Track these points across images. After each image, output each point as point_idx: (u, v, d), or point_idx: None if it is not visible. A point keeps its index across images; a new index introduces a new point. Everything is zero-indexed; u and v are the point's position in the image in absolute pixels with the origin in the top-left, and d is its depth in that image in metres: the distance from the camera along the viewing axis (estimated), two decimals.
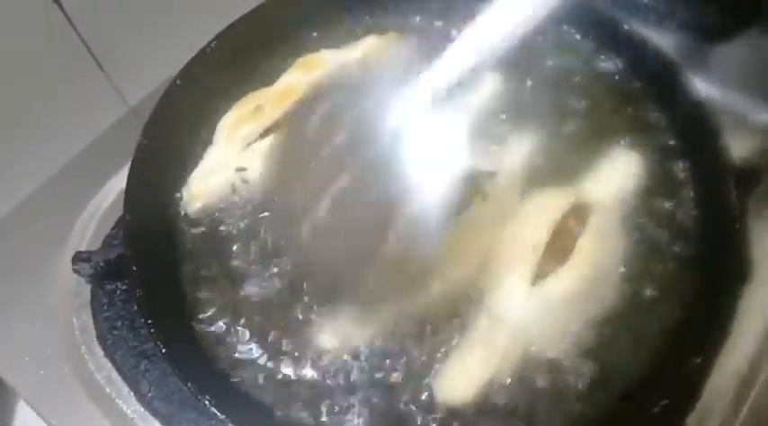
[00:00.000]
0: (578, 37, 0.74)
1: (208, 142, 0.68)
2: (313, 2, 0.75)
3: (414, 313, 0.58)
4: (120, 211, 0.63)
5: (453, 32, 0.75)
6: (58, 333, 0.70)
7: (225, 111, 0.69)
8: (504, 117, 0.68)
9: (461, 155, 0.64)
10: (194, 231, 0.64)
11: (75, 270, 0.66)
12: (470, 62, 0.56)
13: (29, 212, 0.78)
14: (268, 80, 0.71)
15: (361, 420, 0.55)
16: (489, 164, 0.64)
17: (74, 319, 0.71)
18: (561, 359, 0.56)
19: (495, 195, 0.62)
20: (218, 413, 0.52)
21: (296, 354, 0.58)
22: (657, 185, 0.64)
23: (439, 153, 0.64)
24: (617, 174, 0.64)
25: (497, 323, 0.56)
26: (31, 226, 0.77)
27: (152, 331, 0.55)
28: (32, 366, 0.69)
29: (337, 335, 0.58)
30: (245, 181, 0.66)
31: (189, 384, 0.52)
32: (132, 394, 0.66)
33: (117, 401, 0.66)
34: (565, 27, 0.75)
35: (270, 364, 0.58)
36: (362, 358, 0.57)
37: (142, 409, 0.65)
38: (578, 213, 0.60)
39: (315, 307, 0.60)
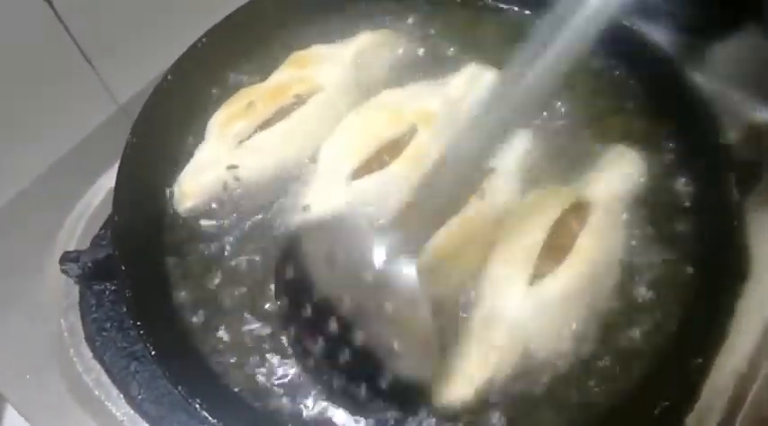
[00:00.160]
0: None
1: (199, 139, 0.67)
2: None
3: None
4: (109, 210, 0.62)
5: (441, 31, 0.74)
6: (45, 335, 0.69)
7: (216, 108, 0.68)
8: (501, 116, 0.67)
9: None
10: (185, 230, 0.63)
11: (64, 271, 0.65)
12: None
13: (17, 211, 0.77)
14: (260, 76, 0.70)
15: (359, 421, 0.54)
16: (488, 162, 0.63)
17: (62, 320, 0.70)
18: (559, 358, 0.56)
19: (494, 193, 0.61)
20: (209, 417, 0.51)
21: (289, 355, 0.57)
22: (656, 184, 0.64)
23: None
24: (615, 173, 0.63)
25: (495, 322, 0.56)
26: (19, 225, 0.76)
27: (141, 333, 0.54)
28: (20, 369, 0.67)
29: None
30: (237, 179, 0.64)
31: (179, 387, 0.51)
32: (122, 396, 0.65)
33: (106, 403, 0.65)
34: None
35: (262, 366, 0.57)
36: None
37: (132, 411, 0.64)
38: (577, 212, 0.59)
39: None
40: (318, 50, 0.70)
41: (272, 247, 0.62)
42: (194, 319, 0.59)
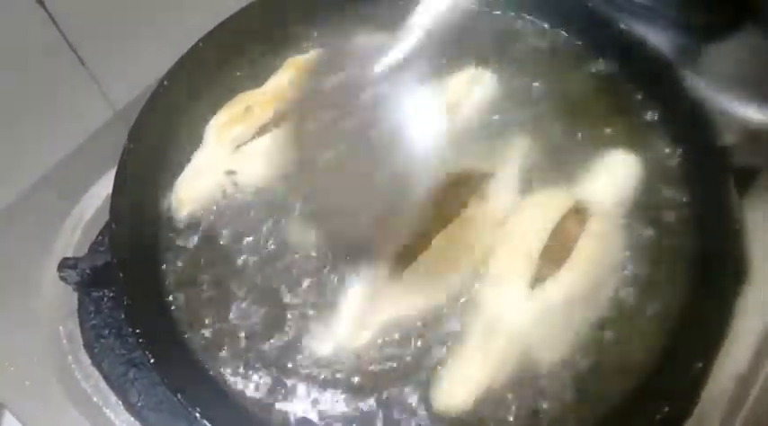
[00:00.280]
0: (574, 38, 0.74)
1: (196, 145, 0.67)
2: (302, 3, 0.74)
3: (411, 317, 0.57)
4: (106, 216, 0.62)
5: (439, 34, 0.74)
6: (44, 342, 0.69)
7: (213, 113, 0.68)
8: (501, 118, 0.68)
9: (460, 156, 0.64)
10: (183, 236, 0.63)
11: (62, 278, 0.65)
12: None
13: (13, 217, 0.77)
14: (257, 81, 0.70)
15: None
16: (487, 166, 0.63)
17: (60, 327, 0.69)
18: (560, 363, 0.55)
19: (493, 197, 0.61)
20: (208, 424, 0.51)
21: (289, 362, 0.57)
22: (655, 186, 0.64)
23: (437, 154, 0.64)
24: (615, 176, 0.63)
25: (495, 327, 0.56)
26: (16, 232, 0.75)
27: (140, 340, 0.53)
28: (18, 376, 0.67)
29: (331, 342, 0.57)
30: (235, 184, 0.64)
31: (178, 394, 0.51)
32: (120, 403, 0.64)
33: (105, 410, 0.64)
34: (560, 28, 0.74)
35: (262, 372, 0.57)
36: (358, 365, 0.56)
37: (131, 418, 0.63)
38: (576, 216, 0.59)
39: (309, 314, 0.59)
40: (316, 55, 0.70)
41: (272, 252, 0.62)
42: (193, 326, 0.59)
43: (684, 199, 0.63)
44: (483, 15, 0.76)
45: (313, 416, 0.55)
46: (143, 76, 0.79)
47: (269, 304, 0.59)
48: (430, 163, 0.63)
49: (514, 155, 0.65)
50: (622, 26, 0.70)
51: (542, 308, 0.56)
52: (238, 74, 0.72)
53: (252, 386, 0.56)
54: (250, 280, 0.61)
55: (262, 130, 0.65)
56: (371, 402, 0.55)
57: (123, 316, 0.62)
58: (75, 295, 0.69)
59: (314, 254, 0.61)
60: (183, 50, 0.70)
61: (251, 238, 0.62)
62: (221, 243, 0.63)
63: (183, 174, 0.65)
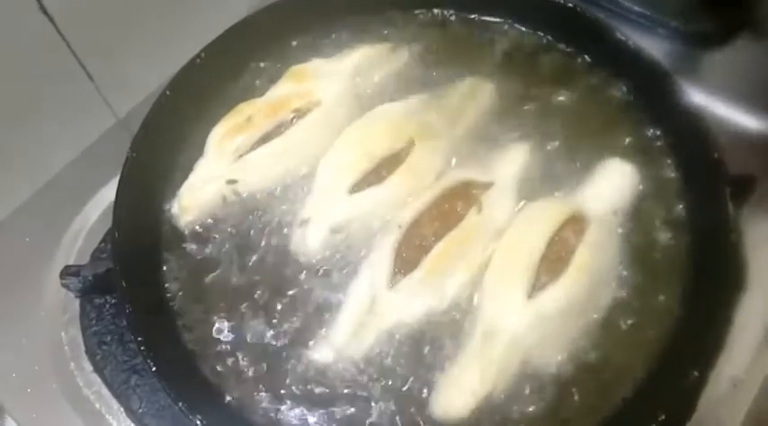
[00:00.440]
0: (571, 49, 0.74)
1: (198, 154, 0.67)
2: (303, 12, 0.75)
3: (410, 325, 0.58)
4: (108, 223, 0.62)
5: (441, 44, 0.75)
6: (46, 349, 0.69)
7: (215, 123, 0.68)
8: (499, 128, 0.68)
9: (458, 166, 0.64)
10: (184, 245, 0.63)
11: (64, 285, 0.65)
12: None
13: (16, 225, 0.77)
14: (258, 90, 0.71)
15: None
16: (485, 176, 0.64)
17: (62, 334, 0.70)
18: (558, 372, 0.56)
19: (491, 207, 0.61)
20: None
21: (290, 371, 0.57)
22: (652, 196, 0.64)
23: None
24: (612, 186, 0.64)
25: (494, 336, 0.56)
26: (19, 239, 0.76)
27: (142, 349, 0.54)
28: (20, 383, 0.68)
29: (332, 350, 0.57)
30: (236, 194, 0.65)
31: (180, 403, 0.52)
32: (122, 410, 0.65)
33: (107, 417, 0.65)
34: (558, 39, 0.75)
35: (264, 381, 0.57)
36: (357, 373, 0.57)
37: (133, 425, 0.64)
38: (574, 225, 0.59)
39: (309, 322, 0.59)
40: (317, 64, 0.71)
41: (273, 260, 0.62)
42: (195, 334, 0.59)
43: (681, 209, 0.64)
44: (479, 25, 0.76)
45: (314, 424, 0.55)
46: (145, 84, 0.80)
47: (270, 312, 0.60)
48: (428, 172, 0.65)
49: (512, 165, 0.65)
50: (619, 36, 0.70)
51: (540, 317, 0.56)
52: (240, 83, 0.73)
53: (254, 394, 0.56)
54: (251, 288, 0.61)
55: (263, 140, 0.66)
56: (371, 409, 0.55)
57: (125, 324, 0.63)
58: (78, 301, 0.70)
59: (314, 262, 0.62)
60: (185, 59, 0.71)
61: (252, 247, 0.63)
62: (223, 251, 0.63)
63: (185, 183, 0.65)
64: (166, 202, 0.66)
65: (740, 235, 0.63)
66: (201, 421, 0.51)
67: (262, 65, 0.74)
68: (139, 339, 0.54)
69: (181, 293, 0.61)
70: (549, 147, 0.67)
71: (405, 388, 0.56)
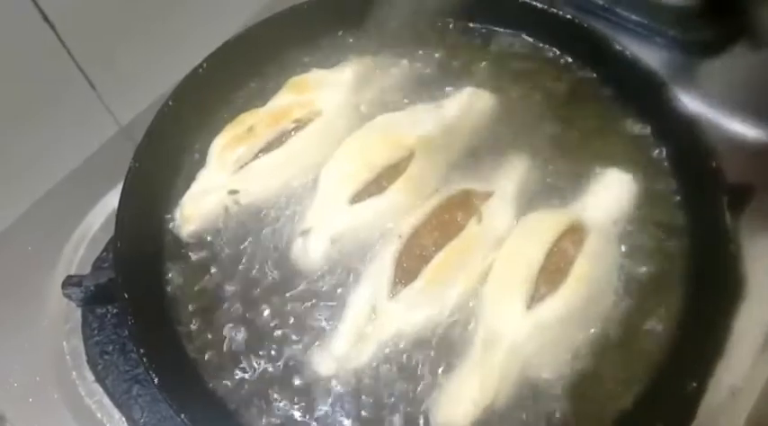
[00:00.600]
0: (569, 59, 0.75)
1: (200, 164, 0.68)
2: (304, 23, 0.75)
3: (410, 336, 0.58)
4: (110, 232, 0.63)
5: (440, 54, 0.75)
6: (47, 359, 0.70)
7: (217, 133, 0.68)
8: (498, 138, 0.68)
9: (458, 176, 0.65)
10: (186, 255, 0.64)
11: (66, 295, 0.65)
12: None
13: (18, 235, 0.77)
14: (260, 100, 0.71)
15: None
16: (484, 186, 0.64)
17: (64, 343, 0.70)
18: (557, 382, 0.56)
19: (490, 217, 0.62)
20: None
21: (293, 382, 0.57)
22: (651, 206, 0.64)
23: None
24: (611, 196, 0.64)
25: (494, 346, 0.56)
26: (21, 248, 0.76)
27: (144, 360, 0.54)
28: (22, 392, 0.68)
29: (333, 361, 0.57)
30: (238, 204, 0.65)
31: (183, 415, 0.52)
32: (124, 419, 0.65)
33: None
34: (556, 49, 0.75)
35: (266, 392, 0.57)
36: (359, 383, 0.57)
37: None
38: (573, 235, 0.60)
39: (311, 333, 0.59)
40: (318, 75, 0.71)
41: (274, 271, 0.62)
42: (197, 344, 0.59)
43: (680, 218, 0.64)
44: (478, 36, 0.77)
45: None
46: (148, 92, 0.81)
47: (272, 322, 0.60)
48: (428, 182, 0.65)
49: (512, 175, 0.65)
50: (617, 47, 0.70)
51: (540, 327, 0.56)
52: (241, 93, 0.73)
53: (256, 404, 0.57)
54: (253, 299, 0.61)
55: (264, 150, 0.66)
56: (372, 420, 0.56)
57: (127, 334, 0.63)
58: (79, 311, 0.70)
59: (315, 272, 0.62)
60: (188, 67, 0.71)
61: (254, 257, 0.63)
62: (224, 261, 0.63)
63: (187, 193, 0.66)
64: (168, 212, 0.66)
65: (739, 244, 0.63)
66: None
67: (263, 75, 0.74)
68: (141, 350, 0.54)
69: (183, 303, 0.61)
70: (548, 157, 0.67)
71: (405, 399, 0.56)
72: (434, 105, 0.70)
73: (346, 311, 0.59)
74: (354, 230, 0.62)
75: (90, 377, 0.68)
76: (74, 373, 0.68)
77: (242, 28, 0.74)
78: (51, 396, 0.67)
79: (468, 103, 0.70)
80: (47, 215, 0.79)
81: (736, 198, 0.64)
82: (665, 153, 0.68)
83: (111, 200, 0.73)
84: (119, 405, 0.65)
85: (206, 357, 0.59)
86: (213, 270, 0.63)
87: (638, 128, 0.70)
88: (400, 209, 0.62)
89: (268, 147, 0.66)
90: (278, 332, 0.59)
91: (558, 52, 0.75)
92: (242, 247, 0.64)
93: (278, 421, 0.56)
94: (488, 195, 0.63)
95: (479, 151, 0.68)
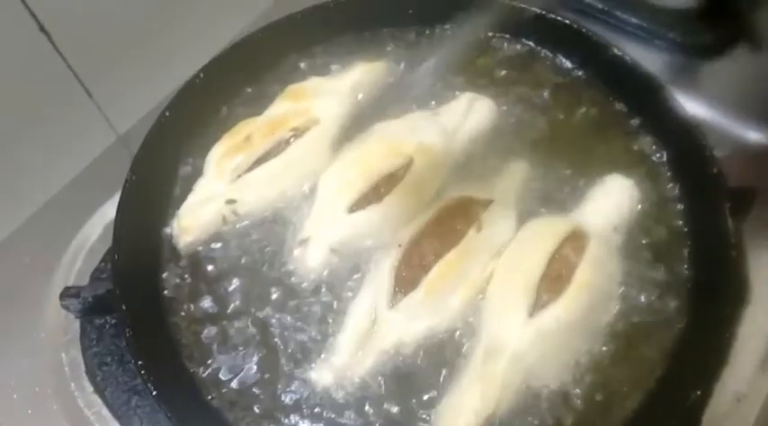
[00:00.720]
0: (569, 64, 0.74)
1: (197, 174, 0.68)
2: (300, 31, 0.75)
3: (411, 345, 0.58)
4: (108, 242, 0.62)
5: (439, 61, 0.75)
6: (46, 370, 0.69)
7: (214, 142, 0.68)
8: (498, 145, 0.68)
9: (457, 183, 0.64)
10: (184, 265, 0.63)
11: (64, 306, 0.65)
12: None
13: (16, 245, 0.77)
14: (257, 109, 0.71)
15: None
16: (483, 193, 0.64)
17: (63, 355, 0.70)
18: (559, 390, 0.56)
19: (491, 224, 0.61)
20: None
21: (292, 393, 0.57)
22: (653, 212, 0.64)
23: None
24: (612, 202, 0.64)
25: (496, 355, 0.56)
26: (19, 259, 0.76)
27: (142, 371, 0.54)
28: (20, 404, 0.67)
29: (332, 372, 0.57)
30: (235, 213, 0.65)
31: None
32: None
33: None
34: (555, 53, 0.75)
35: (264, 403, 0.57)
36: (359, 393, 0.56)
37: None
38: (574, 242, 0.59)
39: (309, 343, 0.59)
40: (314, 83, 0.71)
41: (272, 280, 0.62)
42: (195, 356, 0.59)
43: (681, 224, 0.64)
44: (477, 41, 0.76)
45: None
46: (145, 101, 0.80)
47: (270, 332, 0.60)
48: (427, 190, 0.65)
49: (512, 182, 0.65)
50: (616, 51, 0.70)
51: (542, 335, 0.56)
52: (238, 102, 0.73)
53: (254, 416, 0.56)
54: (251, 309, 0.61)
55: (262, 159, 0.66)
56: None
57: (125, 345, 0.62)
58: (78, 322, 0.70)
59: (314, 281, 0.62)
60: (184, 77, 0.71)
61: (252, 267, 0.63)
62: (222, 271, 0.63)
63: (184, 204, 0.65)
64: (166, 223, 0.66)
65: (741, 249, 0.63)
66: None
67: (260, 83, 0.74)
68: (139, 362, 0.54)
69: (180, 314, 0.61)
70: (548, 164, 0.67)
71: (406, 409, 0.56)
72: (432, 112, 0.70)
73: (346, 321, 0.59)
74: (353, 239, 0.62)
75: (89, 387, 0.67)
76: (72, 384, 0.68)
77: (238, 37, 0.74)
78: (50, 408, 0.67)
79: (466, 110, 0.70)
80: (44, 226, 0.78)
81: (738, 202, 0.63)
82: (665, 157, 0.67)
83: (109, 210, 0.72)
84: (118, 417, 0.65)
85: (204, 368, 0.58)
86: (211, 279, 0.63)
87: (638, 132, 0.69)
88: (399, 218, 0.62)
89: (266, 156, 0.66)
90: (276, 342, 0.59)
91: (557, 57, 0.75)
92: (240, 257, 0.63)
93: None
94: (488, 202, 0.63)
95: (478, 158, 0.68)
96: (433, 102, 0.71)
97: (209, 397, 0.57)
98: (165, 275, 0.63)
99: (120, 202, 0.62)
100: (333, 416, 0.56)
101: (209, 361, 0.59)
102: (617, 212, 0.63)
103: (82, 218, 0.77)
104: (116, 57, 0.82)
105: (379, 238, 0.62)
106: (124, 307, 0.57)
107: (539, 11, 0.73)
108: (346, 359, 0.57)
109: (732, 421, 0.63)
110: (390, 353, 0.57)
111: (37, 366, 0.69)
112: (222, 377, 0.58)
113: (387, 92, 0.72)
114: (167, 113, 0.67)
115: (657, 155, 0.68)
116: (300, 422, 0.56)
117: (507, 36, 0.77)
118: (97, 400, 0.67)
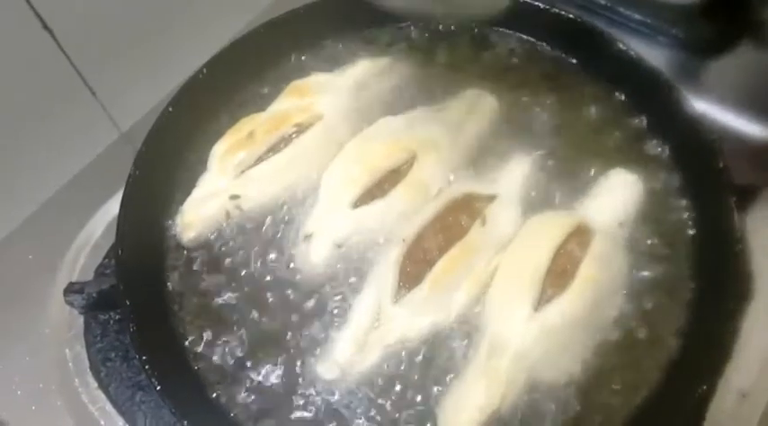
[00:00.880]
0: (573, 59, 0.74)
1: (201, 170, 0.67)
2: (303, 27, 0.75)
3: (415, 340, 0.58)
4: (112, 238, 0.63)
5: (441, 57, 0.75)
6: (50, 366, 0.69)
7: (217, 138, 0.68)
8: (502, 140, 0.68)
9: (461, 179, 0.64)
10: (188, 261, 0.63)
11: (68, 302, 0.65)
12: None
13: (19, 242, 0.77)
14: (260, 105, 0.71)
15: None
16: (487, 189, 0.64)
17: (67, 350, 0.70)
18: (564, 386, 0.56)
19: (495, 220, 0.61)
20: None
21: (296, 387, 0.57)
22: (657, 207, 0.64)
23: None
24: (616, 197, 0.63)
25: (500, 350, 0.56)
26: (22, 256, 0.76)
27: (147, 367, 0.54)
28: (24, 400, 0.68)
29: (338, 367, 0.57)
30: (239, 209, 0.65)
31: (185, 422, 0.51)
32: None
33: None
34: (559, 50, 0.75)
35: (269, 398, 0.57)
36: (363, 388, 0.56)
37: None
38: (579, 237, 0.59)
39: (314, 338, 0.59)
40: (318, 79, 0.71)
41: (276, 276, 0.62)
42: (199, 351, 0.59)
43: (686, 219, 0.63)
44: (479, 37, 0.76)
45: None
46: (148, 97, 0.80)
47: (274, 328, 0.60)
48: (431, 185, 0.65)
49: (516, 178, 0.65)
50: (620, 46, 0.70)
51: (546, 330, 0.56)
52: (242, 98, 0.73)
53: (258, 412, 0.56)
54: (255, 304, 0.61)
55: (265, 155, 0.66)
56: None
57: (129, 341, 0.62)
58: (82, 318, 0.70)
59: (318, 277, 0.62)
60: (187, 73, 0.71)
61: (256, 262, 0.63)
62: (226, 267, 0.63)
63: (188, 199, 0.65)
64: (170, 218, 0.66)
65: (746, 244, 0.63)
66: None
67: (263, 79, 0.74)
68: (143, 357, 0.54)
69: (185, 309, 0.61)
70: (552, 159, 0.67)
71: (410, 404, 0.56)
72: (436, 108, 0.70)
73: (350, 316, 0.59)
74: (357, 234, 0.62)
75: (93, 383, 0.67)
76: (77, 380, 0.68)
77: (241, 34, 0.74)
78: (54, 404, 0.67)
79: (469, 105, 0.69)
80: (48, 222, 0.78)
81: (743, 198, 0.63)
82: (670, 152, 0.67)
83: (113, 207, 0.72)
84: (122, 412, 0.65)
85: (208, 363, 0.58)
86: (215, 275, 0.63)
87: (642, 128, 0.69)
88: (403, 213, 0.62)
89: (269, 152, 0.66)
90: (281, 338, 0.59)
91: (560, 52, 0.75)
92: (244, 252, 0.63)
93: None
94: (492, 198, 0.63)
95: (482, 153, 0.68)
96: (437, 98, 0.71)
97: (214, 392, 0.57)
98: (169, 270, 0.63)
99: (123, 198, 0.62)
100: (336, 411, 0.56)
101: (214, 356, 0.59)
102: (622, 207, 0.63)
103: (86, 215, 0.77)
104: (119, 55, 0.82)
105: (383, 233, 0.62)
106: (128, 303, 0.57)
107: (542, 6, 0.73)
108: (350, 353, 0.57)
109: (737, 419, 0.63)
110: (394, 348, 0.57)
111: (41, 362, 0.69)
112: (226, 371, 0.58)
113: (390, 88, 0.72)
114: (171, 109, 0.67)
115: (662, 149, 0.68)
116: (305, 417, 0.56)
117: (511, 32, 0.76)
118: (101, 396, 0.67)
